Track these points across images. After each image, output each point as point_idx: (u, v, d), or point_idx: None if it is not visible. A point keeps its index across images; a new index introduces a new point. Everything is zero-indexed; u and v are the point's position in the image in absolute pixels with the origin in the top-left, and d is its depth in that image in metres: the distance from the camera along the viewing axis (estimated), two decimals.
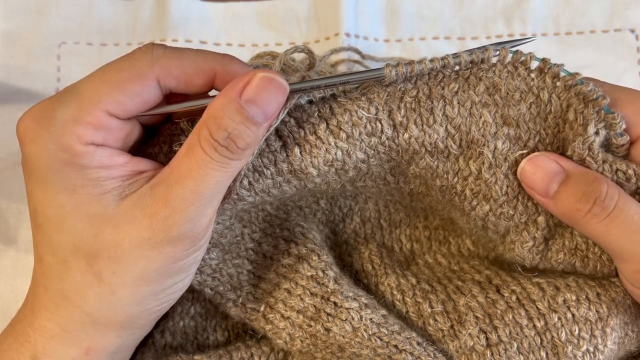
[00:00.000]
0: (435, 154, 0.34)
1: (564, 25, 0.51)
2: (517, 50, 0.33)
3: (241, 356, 0.38)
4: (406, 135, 0.33)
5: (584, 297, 0.34)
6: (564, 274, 0.36)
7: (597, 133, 0.32)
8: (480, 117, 0.33)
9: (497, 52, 0.33)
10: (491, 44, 0.33)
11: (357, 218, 0.43)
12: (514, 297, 0.35)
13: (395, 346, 0.34)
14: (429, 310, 0.36)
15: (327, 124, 0.33)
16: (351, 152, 0.33)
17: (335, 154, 0.33)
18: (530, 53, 0.33)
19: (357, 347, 0.35)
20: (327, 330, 0.35)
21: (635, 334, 0.35)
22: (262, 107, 0.30)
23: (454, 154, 0.34)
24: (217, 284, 0.38)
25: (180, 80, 0.31)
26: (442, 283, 0.38)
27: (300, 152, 0.33)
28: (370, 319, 0.35)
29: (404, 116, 0.33)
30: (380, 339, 0.35)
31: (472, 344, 0.34)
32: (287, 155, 0.33)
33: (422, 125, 0.33)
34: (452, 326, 0.35)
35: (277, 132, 0.33)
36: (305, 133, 0.33)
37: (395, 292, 0.38)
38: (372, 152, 0.34)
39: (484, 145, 0.33)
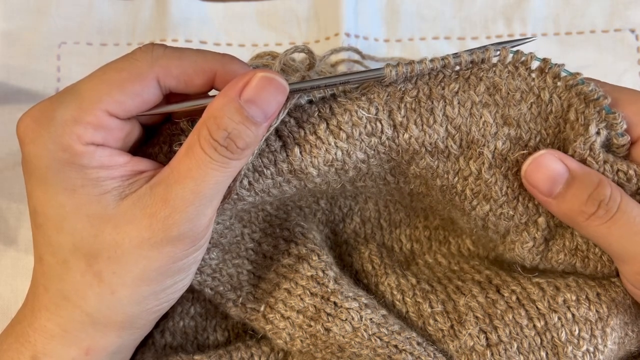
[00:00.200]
0: (435, 154, 0.34)
1: (564, 25, 0.51)
2: (517, 51, 0.33)
3: (241, 356, 0.38)
4: (406, 136, 0.33)
5: (584, 297, 0.34)
6: (564, 274, 0.36)
7: (598, 133, 0.32)
8: (481, 117, 0.33)
9: (498, 52, 0.33)
10: (492, 44, 0.33)
11: (357, 218, 0.43)
12: (514, 297, 0.35)
13: (395, 346, 0.34)
14: (429, 310, 0.36)
15: (327, 124, 0.33)
16: (351, 152, 0.33)
17: (335, 154, 0.33)
18: (530, 53, 0.33)
19: (357, 347, 0.35)
20: (327, 330, 0.35)
21: (635, 334, 0.35)
22: (261, 107, 0.30)
23: (454, 154, 0.34)
24: (217, 284, 0.38)
25: (180, 80, 0.31)
26: (442, 283, 0.38)
27: (300, 152, 0.33)
28: (370, 319, 0.35)
29: (404, 116, 0.33)
30: (380, 339, 0.35)
31: (472, 344, 0.34)
32: (287, 155, 0.33)
33: (422, 125, 0.33)
34: (452, 326, 0.35)
35: (277, 132, 0.33)
36: (305, 133, 0.33)
37: (395, 292, 0.38)
38: (372, 152, 0.34)
39: (484, 145, 0.33)
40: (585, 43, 0.50)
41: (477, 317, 0.35)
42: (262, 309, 0.37)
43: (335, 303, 0.36)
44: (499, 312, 0.35)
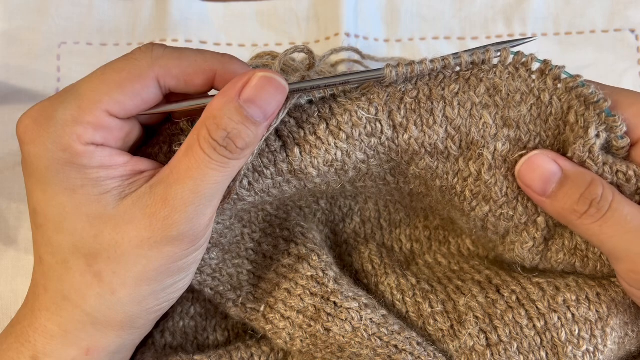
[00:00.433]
0: (435, 155, 0.34)
1: (564, 25, 0.51)
2: (518, 52, 0.33)
3: (241, 356, 0.38)
4: (406, 136, 0.33)
5: (584, 297, 0.34)
6: (564, 274, 0.36)
7: (597, 136, 0.32)
8: (481, 118, 0.33)
9: (498, 53, 0.33)
10: (492, 44, 0.33)
11: (357, 218, 0.43)
12: (514, 297, 0.35)
13: (395, 346, 0.34)
14: (429, 310, 0.36)
15: (327, 124, 0.33)
16: (351, 153, 0.33)
17: (335, 154, 0.33)
18: (531, 54, 0.33)
19: (357, 347, 0.35)
20: (327, 330, 0.35)
21: (635, 334, 0.35)
22: (261, 107, 0.30)
23: (454, 155, 0.34)
24: (217, 284, 0.38)
25: (180, 79, 0.31)
26: (442, 283, 0.38)
27: (300, 153, 0.33)
28: (370, 319, 0.35)
29: (404, 117, 0.33)
30: (380, 339, 0.35)
31: (472, 344, 0.34)
32: (287, 156, 0.33)
33: (422, 126, 0.33)
34: (452, 326, 0.35)
35: (277, 132, 0.33)
36: (305, 133, 0.33)
37: (395, 292, 0.38)
38: (372, 152, 0.34)
39: (483, 146, 0.33)
40: (585, 43, 0.50)
41: (477, 317, 0.35)
42: (262, 309, 0.37)
43: (335, 303, 0.36)
44: (499, 312, 0.35)
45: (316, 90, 0.33)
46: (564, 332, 0.33)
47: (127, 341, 0.34)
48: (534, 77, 0.33)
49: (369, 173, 0.36)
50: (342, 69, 0.49)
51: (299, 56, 0.43)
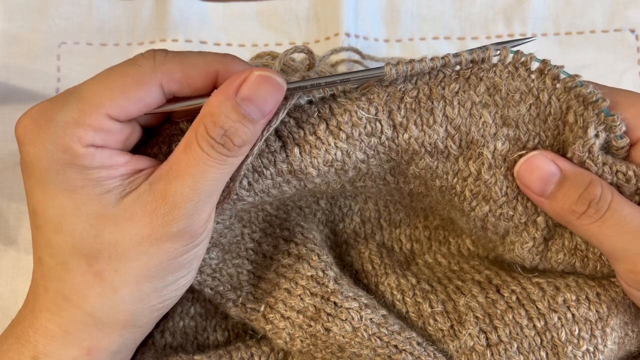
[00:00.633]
0: (434, 155, 0.34)
1: (564, 25, 0.51)
2: (517, 51, 0.33)
3: (241, 356, 0.38)
4: (406, 136, 0.33)
5: (584, 297, 0.34)
6: (564, 274, 0.36)
7: (597, 135, 0.32)
8: (480, 117, 0.33)
9: (498, 52, 0.33)
10: (492, 44, 0.33)
11: (357, 218, 0.43)
12: (514, 297, 0.35)
13: (395, 346, 0.34)
14: (429, 310, 0.36)
15: (327, 124, 0.33)
16: (351, 153, 0.33)
17: (335, 154, 0.33)
18: (530, 54, 0.33)
19: (357, 347, 0.35)
20: (327, 330, 0.35)
21: (635, 334, 0.35)
22: (258, 105, 0.30)
23: (454, 155, 0.34)
24: (217, 284, 0.38)
25: (183, 83, 0.31)
26: (442, 283, 0.38)
27: (300, 153, 0.33)
28: (370, 319, 0.35)
29: (403, 117, 0.33)
30: (380, 339, 0.35)
31: (472, 344, 0.34)
32: (287, 156, 0.33)
33: (422, 125, 0.33)
34: (452, 326, 0.35)
35: (277, 133, 0.33)
36: (304, 133, 0.33)
37: (395, 292, 0.38)
38: (372, 152, 0.34)
39: (483, 145, 0.33)
40: (585, 43, 0.50)
41: (477, 317, 0.35)
42: (262, 309, 0.37)
43: (335, 303, 0.36)
44: (499, 312, 0.35)
45: (316, 90, 0.33)
46: (564, 332, 0.33)
47: (129, 340, 0.34)
48: (533, 76, 0.33)
49: (368, 173, 0.36)
50: (342, 69, 0.49)
51: (299, 56, 0.43)
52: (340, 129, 0.33)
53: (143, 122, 0.34)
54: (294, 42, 0.51)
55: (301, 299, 0.36)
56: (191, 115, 0.33)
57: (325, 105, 0.34)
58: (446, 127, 0.33)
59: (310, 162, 0.33)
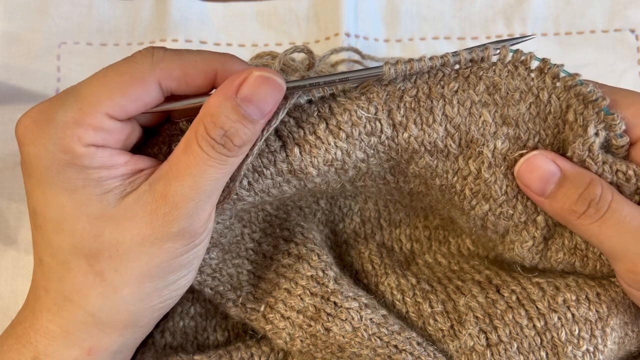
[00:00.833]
0: (434, 153, 0.34)
1: (564, 25, 0.51)
2: (517, 50, 0.33)
3: (241, 356, 0.38)
4: (405, 135, 0.33)
5: (584, 297, 0.34)
6: (564, 274, 0.36)
7: (597, 134, 0.32)
8: (480, 116, 0.33)
9: (497, 51, 0.33)
10: (491, 42, 0.33)
11: (357, 218, 0.43)
12: (514, 297, 0.35)
13: (395, 346, 0.34)
14: (429, 310, 0.36)
15: (327, 123, 0.33)
16: (351, 152, 0.33)
17: (335, 153, 0.33)
18: (530, 53, 0.33)
19: (357, 347, 0.35)
20: (327, 330, 0.35)
21: (635, 334, 0.35)
22: (258, 105, 0.30)
23: (454, 154, 0.34)
24: (217, 284, 0.38)
25: (181, 81, 0.31)
26: (442, 283, 0.38)
27: (300, 152, 0.33)
28: (370, 319, 0.35)
29: (403, 116, 0.33)
30: (380, 339, 0.35)
31: (472, 344, 0.34)
32: (287, 155, 0.33)
33: (422, 124, 0.33)
34: (452, 326, 0.35)
35: (277, 132, 0.33)
36: (304, 133, 0.33)
37: (395, 292, 0.38)
38: (372, 151, 0.34)
39: (483, 144, 0.33)
40: (585, 43, 0.50)
41: (477, 317, 0.35)
42: (262, 309, 0.37)
43: (335, 303, 0.36)
44: (499, 312, 0.35)
45: (315, 89, 0.33)
46: (564, 332, 0.33)
47: (130, 340, 0.34)
48: (532, 75, 0.33)
49: (368, 172, 0.36)
50: (342, 68, 0.49)
51: (299, 56, 0.43)
52: (340, 129, 0.33)
53: (143, 121, 0.34)
54: (294, 42, 0.51)
55: (301, 299, 0.37)
56: (191, 114, 0.33)
57: (325, 105, 0.34)
58: (446, 126, 0.33)
59: (310, 162, 0.33)
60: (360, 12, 0.51)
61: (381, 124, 0.33)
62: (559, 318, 0.34)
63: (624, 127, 0.32)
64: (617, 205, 0.32)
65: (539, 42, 0.50)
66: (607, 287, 0.35)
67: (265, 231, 0.39)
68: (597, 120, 0.32)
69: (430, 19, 0.51)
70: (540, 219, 0.34)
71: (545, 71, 0.33)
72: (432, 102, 0.33)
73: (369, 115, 0.33)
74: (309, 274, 0.37)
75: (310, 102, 0.34)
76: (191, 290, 0.39)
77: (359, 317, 0.35)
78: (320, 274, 0.37)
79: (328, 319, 0.36)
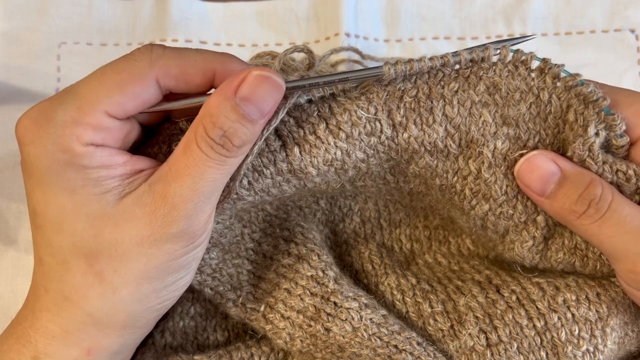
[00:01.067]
0: (434, 154, 0.34)
1: (564, 25, 0.51)
2: (517, 50, 0.33)
3: (241, 356, 0.38)
4: (405, 135, 0.33)
5: (584, 297, 0.34)
6: (564, 274, 0.36)
7: (597, 134, 0.32)
8: (480, 116, 0.33)
9: (498, 51, 0.33)
10: (491, 42, 0.33)
11: (357, 218, 0.43)
12: (514, 297, 0.35)
13: (395, 346, 0.34)
14: (429, 310, 0.36)
15: (327, 123, 0.33)
16: (350, 152, 0.33)
17: (335, 153, 0.33)
18: (530, 53, 0.33)
19: (357, 347, 0.35)
20: (327, 330, 0.35)
21: (635, 334, 0.35)
22: (257, 105, 0.30)
23: (454, 154, 0.34)
24: (217, 284, 0.38)
25: (180, 80, 0.31)
26: (442, 283, 0.38)
27: (300, 152, 0.33)
28: (370, 319, 0.35)
29: (403, 116, 0.33)
30: (380, 339, 0.35)
31: (472, 344, 0.34)
32: (287, 155, 0.33)
33: (422, 124, 0.33)
34: (452, 326, 0.35)
35: (277, 132, 0.33)
36: (304, 133, 0.33)
37: (395, 292, 0.38)
38: (372, 151, 0.34)
39: (483, 144, 0.33)
40: (585, 43, 0.50)
41: (477, 317, 0.35)
42: (262, 309, 0.37)
43: (335, 303, 0.36)
44: (499, 312, 0.35)
45: (315, 89, 0.33)
46: (564, 332, 0.33)
47: (129, 341, 0.34)
48: (533, 75, 0.33)
49: (368, 172, 0.36)
50: (342, 68, 0.49)
51: (299, 56, 0.43)
52: (340, 129, 0.33)
53: (142, 121, 0.34)
54: (294, 42, 0.51)
55: (301, 299, 0.36)
56: (191, 114, 0.33)
57: (325, 105, 0.34)
58: (446, 126, 0.33)
59: (310, 162, 0.33)
60: (360, 12, 0.51)
61: (381, 124, 0.33)
62: (559, 318, 0.34)
63: (624, 127, 0.32)
64: (618, 205, 0.32)
65: (539, 42, 0.50)
66: (607, 287, 0.35)
67: (265, 231, 0.39)
68: (597, 121, 0.32)
69: (430, 19, 0.51)
70: (540, 218, 0.34)
71: (546, 71, 0.33)
72: (432, 102, 0.33)
73: (369, 115, 0.33)
74: (309, 274, 0.37)
75: (310, 101, 0.34)
76: (191, 290, 0.39)
77: (359, 317, 0.35)
78: (320, 274, 0.37)
79: (328, 319, 0.36)
